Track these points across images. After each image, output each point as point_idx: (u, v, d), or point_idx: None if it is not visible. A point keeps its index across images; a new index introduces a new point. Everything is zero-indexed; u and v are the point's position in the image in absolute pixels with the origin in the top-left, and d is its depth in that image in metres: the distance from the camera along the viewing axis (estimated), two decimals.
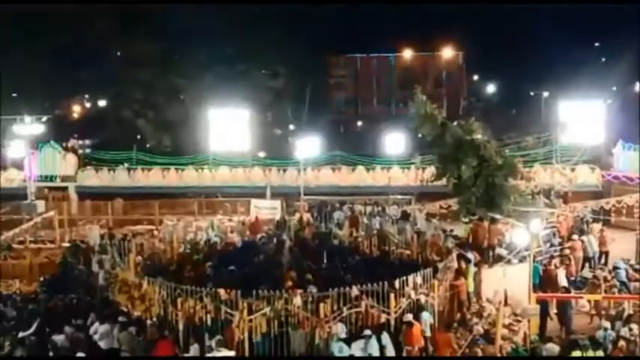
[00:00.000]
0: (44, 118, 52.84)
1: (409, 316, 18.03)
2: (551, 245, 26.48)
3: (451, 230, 26.68)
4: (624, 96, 61.53)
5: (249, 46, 62.46)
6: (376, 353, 16.92)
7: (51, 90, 64.98)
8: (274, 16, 62.40)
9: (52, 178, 45.67)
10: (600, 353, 16.53)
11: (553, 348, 17.63)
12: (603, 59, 67.92)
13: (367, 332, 17.07)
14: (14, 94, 62.04)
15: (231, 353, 16.43)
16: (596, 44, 71.87)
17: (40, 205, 36.71)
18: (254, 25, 62.28)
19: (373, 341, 17.01)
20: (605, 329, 16.56)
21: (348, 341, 17.09)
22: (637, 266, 24.97)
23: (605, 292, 21.57)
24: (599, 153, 46.25)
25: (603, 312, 20.98)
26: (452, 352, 18.64)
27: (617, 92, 62.02)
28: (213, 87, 59.35)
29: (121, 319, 18.49)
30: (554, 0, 62.11)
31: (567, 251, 24.65)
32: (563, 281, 22.33)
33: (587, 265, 25.64)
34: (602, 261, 25.97)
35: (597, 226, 28.60)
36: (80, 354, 17.13)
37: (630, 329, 17.84)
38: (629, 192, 35.73)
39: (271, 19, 62.32)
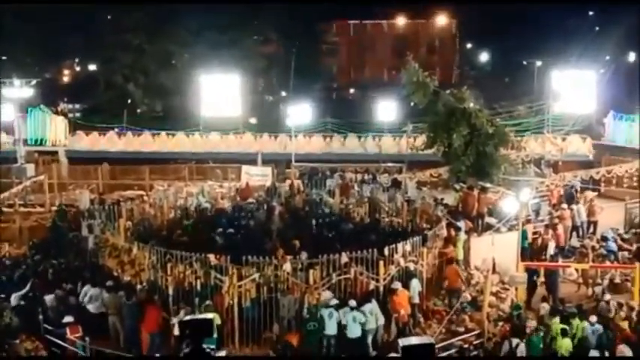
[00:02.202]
0: (34, 82, 52.37)
1: (397, 284, 18.14)
2: (537, 214, 26.62)
3: (441, 199, 26.78)
4: (617, 66, 61.40)
5: (241, 12, 61.84)
6: (361, 320, 17.03)
7: (41, 53, 64.32)
8: None
9: (42, 142, 45.41)
10: (585, 323, 16.62)
11: (545, 306, 17.88)
12: (597, 28, 67.58)
13: (352, 303, 17.16)
14: (3, 57, 61.43)
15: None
16: (590, 13, 71.50)
17: (30, 168, 36.46)
18: None
19: (363, 308, 17.14)
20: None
21: (337, 308, 17.19)
22: (625, 236, 25.17)
23: (593, 261, 21.74)
24: (590, 122, 46.32)
25: (590, 280, 21.17)
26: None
27: (610, 62, 61.90)
28: (205, 53, 58.91)
29: (110, 283, 18.52)
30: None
31: (556, 220, 24.75)
32: (551, 250, 22.47)
33: (574, 234, 25.78)
34: (591, 230, 26.12)
35: (590, 194, 28.65)
36: (69, 317, 17.18)
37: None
38: (619, 162, 35.87)
39: None
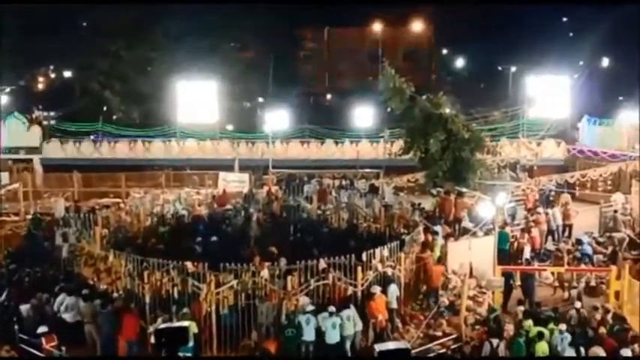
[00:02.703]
0: (8, 89, 52.01)
1: (376, 288, 18.17)
2: (513, 218, 26.82)
3: (419, 204, 26.85)
4: (591, 71, 62.14)
5: (219, 17, 61.78)
6: (340, 325, 17.04)
7: (15, 60, 63.64)
8: None
9: (16, 150, 45.00)
10: (562, 327, 16.72)
11: (522, 309, 18.01)
12: (571, 34, 68.40)
13: (332, 309, 17.17)
14: None
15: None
16: (564, 19, 72.32)
17: (4, 177, 36.15)
18: None
19: (341, 314, 17.15)
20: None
21: (315, 314, 17.18)
22: (600, 239, 25.42)
23: (568, 264, 21.93)
24: (565, 127, 46.81)
25: (566, 284, 21.35)
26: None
27: (583, 67, 62.61)
28: (182, 59, 58.74)
29: (86, 291, 18.34)
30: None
31: (532, 224, 24.95)
32: (526, 254, 22.64)
33: (550, 237, 25.99)
34: (566, 234, 26.34)
35: (566, 196, 28.92)
36: (43, 327, 16.99)
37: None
38: (593, 166, 36.27)
39: None
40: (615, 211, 27.49)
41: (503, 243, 21.84)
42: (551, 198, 29.94)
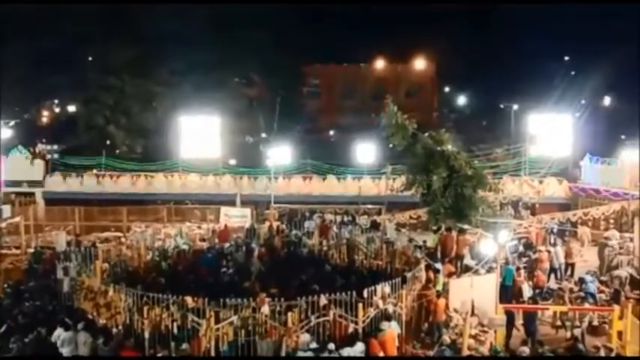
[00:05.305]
0: (12, 123, 52.28)
1: (386, 324, 18.01)
2: (518, 256, 26.72)
3: (424, 242, 26.75)
4: (592, 109, 62.46)
5: (223, 54, 62.38)
6: None
7: (20, 94, 64.14)
8: (250, 25, 62.48)
9: (19, 184, 45.08)
10: None
11: (525, 350, 17.81)
12: (573, 73, 68.90)
13: (331, 346, 16.98)
14: None
15: None
16: (566, 58, 72.91)
17: (6, 210, 36.12)
18: (230, 34, 62.28)
19: (342, 352, 16.96)
20: None
21: (316, 351, 17.00)
22: (602, 278, 25.28)
23: (571, 303, 21.78)
24: (567, 165, 46.89)
25: (568, 323, 21.17)
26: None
27: (585, 106, 62.95)
28: (186, 94, 59.14)
29: (85, 326, 18.20)
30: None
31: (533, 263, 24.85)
32: (527, 293, 22.47)
33: (552, 276, 25.86)
34: (569, 272, 26.22)
35: (586, 229, 28.97)
36: None
37: None
38: (595, 204, 36.22)
39: (247, 28, 62.34)
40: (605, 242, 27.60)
41: (508, 279, 21.73)
42: (556, 234, 29.89)
